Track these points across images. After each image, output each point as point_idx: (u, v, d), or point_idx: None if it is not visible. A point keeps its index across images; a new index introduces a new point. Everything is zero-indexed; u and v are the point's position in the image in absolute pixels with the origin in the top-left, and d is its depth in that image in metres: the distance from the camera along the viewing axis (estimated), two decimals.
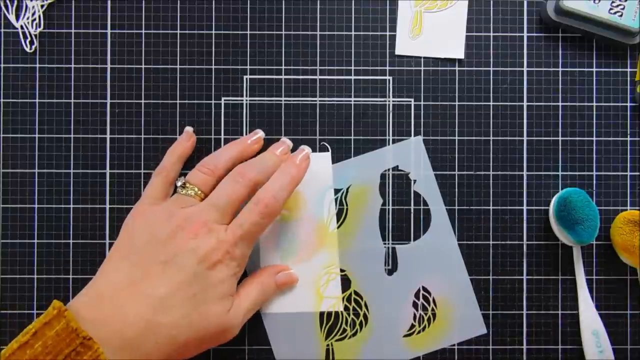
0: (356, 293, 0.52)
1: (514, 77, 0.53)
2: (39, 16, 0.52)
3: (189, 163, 0.52)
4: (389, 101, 0.53)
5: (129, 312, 0.40)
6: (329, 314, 0.52)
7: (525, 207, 0.53)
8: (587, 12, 0.51)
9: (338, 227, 0.52)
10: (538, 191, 0.53)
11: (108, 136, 0.52)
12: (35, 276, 0.52)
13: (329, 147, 0.53)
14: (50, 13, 0.53)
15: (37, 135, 0.52)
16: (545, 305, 0.53)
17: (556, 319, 0.53)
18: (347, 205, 0.52)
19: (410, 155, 0.53)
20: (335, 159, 0.53)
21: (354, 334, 0.52)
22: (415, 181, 0.53)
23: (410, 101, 0.53)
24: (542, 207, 0.53)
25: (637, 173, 0.53)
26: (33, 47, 0.52)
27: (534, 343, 0.52)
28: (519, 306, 0.53)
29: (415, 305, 0.52)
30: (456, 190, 0.53)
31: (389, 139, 0.53)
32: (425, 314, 0.52)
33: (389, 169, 0.53)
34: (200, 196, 0.47)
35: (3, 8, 0.52)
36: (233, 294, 0.46)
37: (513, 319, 0.53)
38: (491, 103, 0.53)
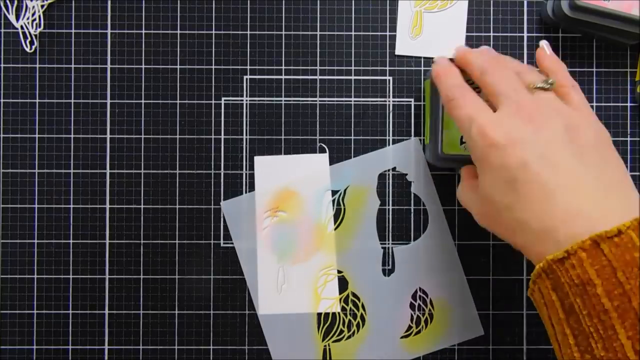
0: (353, 294, 0.52)
1: None
2: (39, 16, 0.52)
3: (188, 163, 0.52)
4: (389, 101, 0.53)
5: None
6: (327, 315, 0.52)
7: None
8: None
9: (336, 228, 0.52)
10: None
11: (108, 136, 0.53)
12: (35, 276, 0.52)
13: (326, 148, 0.53)
14: (50, 13, 0.53)
15: (37, 135, 0.52)
16: None
17: None
18: (344, 206, 0.52)
19: (408, 156, 0.53)
20: (335, 159, 0.53)
21: (351, 335, 0.52)
22: (412, 183, 0.53)
23: (410, 101, 0.53)
24: None
25: (637, 173, 0.53)
26: (33, 47, 0.52)
27: (534, 343, 0.52)
28: (519, 306, 0.53)
29: (412, 306, 0.52)
30: (455, 190, 0.53)
31: (389, 139, 0.53)
32: (423, 315, 0.52)
33: (387, 170, 0.53)
34: None
35: (3, 8, 0.52)
36: None
37: (513, 319, 0.52)
38: None
